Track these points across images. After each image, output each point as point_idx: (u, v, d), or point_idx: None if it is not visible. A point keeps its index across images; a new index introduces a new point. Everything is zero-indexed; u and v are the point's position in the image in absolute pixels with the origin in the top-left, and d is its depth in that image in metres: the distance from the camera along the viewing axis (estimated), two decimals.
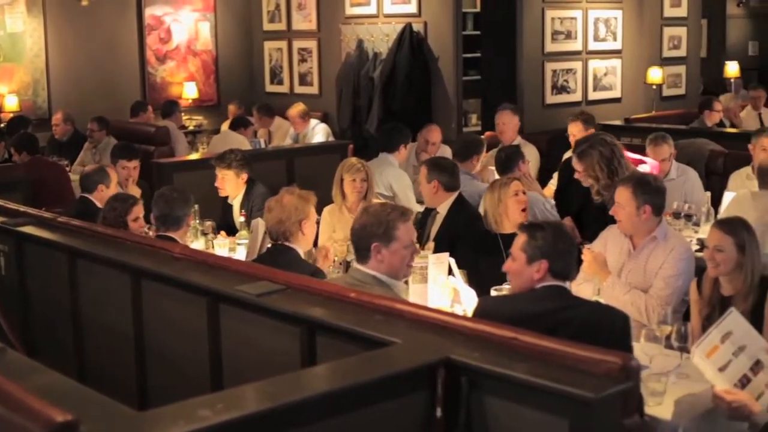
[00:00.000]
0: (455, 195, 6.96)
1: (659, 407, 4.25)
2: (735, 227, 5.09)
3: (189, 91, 14.32)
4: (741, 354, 4.17)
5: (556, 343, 3.23)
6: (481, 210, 6.86)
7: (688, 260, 5.64)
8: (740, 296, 5.02)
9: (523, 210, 6.36)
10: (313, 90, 13.98)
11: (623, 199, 5.65)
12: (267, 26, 14.58)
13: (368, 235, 4.69)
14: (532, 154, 9.29)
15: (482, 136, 10.06)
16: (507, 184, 6.40)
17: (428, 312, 3.80)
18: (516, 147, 8.23)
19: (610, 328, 4.38)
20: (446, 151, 9.46)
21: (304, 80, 14.13)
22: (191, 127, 13.93)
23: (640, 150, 8.15)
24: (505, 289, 5.36)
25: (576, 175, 6.72)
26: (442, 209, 6.92)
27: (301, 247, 5.80)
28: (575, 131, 8.94)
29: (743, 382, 4.16)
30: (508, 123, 9.46)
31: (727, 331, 4.20)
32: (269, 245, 6.04)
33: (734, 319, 4.27)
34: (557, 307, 4.47)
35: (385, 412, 3.12)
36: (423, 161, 7.61)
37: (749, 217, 5.69)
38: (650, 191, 5.65)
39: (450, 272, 5.76)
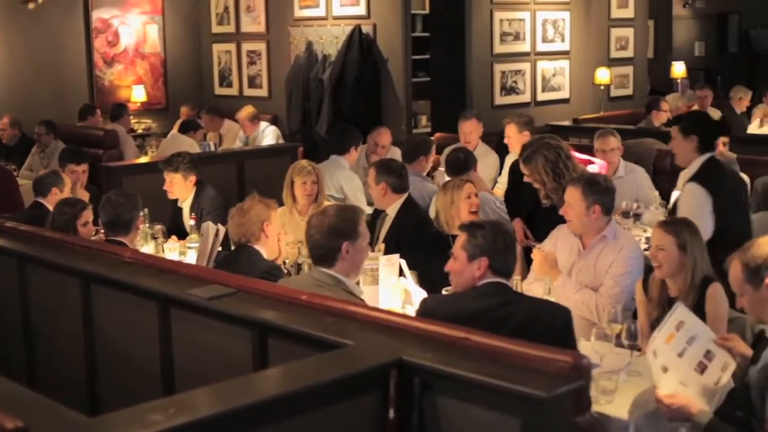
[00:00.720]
0: (404, 197, 6.96)
1: (610, 405, 4.29)
2: (677, 227, 5.15)
3: (137, 95, 14.23)
4: (694, 343, 4.23)
5: (507, 342, 3.24)
6: (432, 210, 6.87)
7: (637, 259, 5.69)
8: (682, 296, 5.08)
9: (474, 212, 6.38)
10: (263, 92, 13.94)
11: (573, 199, 5.69)
12: (216, 29, 14.53)
13: (338, 236, 4.67)
14: (492, 161, 9.31)
15: (432, 138, 10.09)
16: (460, 186, 6.41)
17: (380, 313, 3.81)
18: (470, 151, 8.23)
19: (550, 323, 4.42)
20: (396, 153, 9.46)
21: (253, 83, 14.09)
22: (140, 131, 13.84)
23: (589, 150, 8.21)
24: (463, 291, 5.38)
25: (525, 178, 6.74)
26: (391, 211, 6.92)
27: (265, 249, 5.79)
28: (511, 134, 8.96)
29: (702, 368, 4.22)
30: (474, 131, 9.41)
31: (679, 320, 4.27)
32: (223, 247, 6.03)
33: (683, 311, 4.35)
34: (498, 303, 4.51)
35: (338, 414, 3.12)
36: (372, 163, 7.61)
37: (694, 216, 5.73)
38: (600, 191, 5.68)
39: (401, 273, 5.77)
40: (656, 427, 4.31)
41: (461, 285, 4.70)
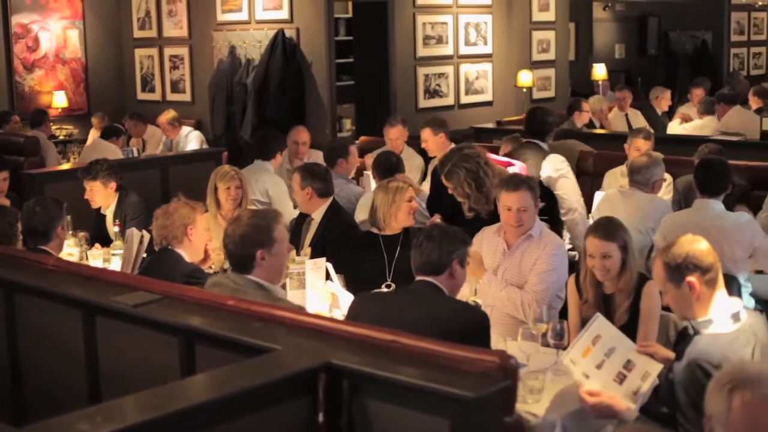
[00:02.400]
0: (329, 201, 6.96)
1: (538, 404, 4.33)
2: (614, 231, 5.20)
3: (58, 100, 14.05)
4: (612, 355, 4.31)
5: (434, 344, 3.26)
6: (361, 212, 6.88)
7: (561, 256, 5.75)
8: (623, 294, 5.14)
9: (411, 215, 6.39)
10: (186, 97, 13.85)
11: (525, 202, 5.70)
12: (137, 33, 14.40)
13: (251, 245, 4.64)
14: (417, 164, 9.34)
15: (357, 141, 10.11)
16: (403, 188, 6.40)
17: (307, 317, 3.81)
18: (399, 156, 8.25)
19: (468, 326, 4.43)
20: (319, 157, 9.46)
21: (176, 87, 13.99)
22: (61, 137, 13.67)
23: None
24: (389, 290, 5.42)
25: (450, 191, 6.75)
26: (317, 216, 6.91)
27: (188, 253, 5.75)
28: (426, 137, 9.01)
29: (621, 379, 4.29)
30: (400, 137, 9.40)
31: (596, 334, 4.35)
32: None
33: (600, 324, 4.43)
34: (424, 302, 4.56)
35: (267, 419, 3.11)
36: (296, 168, 7.59)
37: (619, 215, 5.81)
38: (536, 187, 5.79)
39: (328, 277, 5.78)
40: (583, 425, 4.36)
41: None
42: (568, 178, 7.61)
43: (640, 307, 5.11)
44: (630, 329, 5.04)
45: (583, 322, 5.26)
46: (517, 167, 7.20)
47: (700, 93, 13.67)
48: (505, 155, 7.76)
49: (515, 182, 5.81)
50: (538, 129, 8.06)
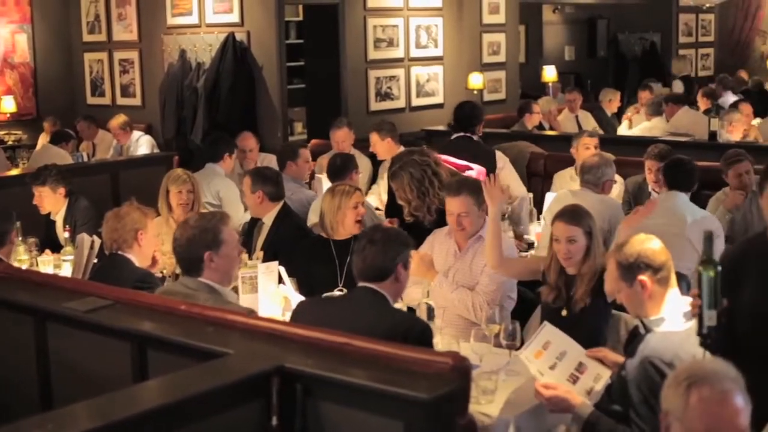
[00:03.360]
0: (280, 204, 6.95)
1: (491, 405, 4.35)
2: (579, 215, 5.29)
3: (7, 105, 13.91)
4: (564, 358, 4.35)
5: (387, 346, 3.27)
6: (314, 214, 6.87)
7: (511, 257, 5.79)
8: (585, 278, 5.19)
9: (359, 221, 6.38)
10: (136, 101, 13.76)
11: (465, 207, 5.72)
12: (87, 37, 14.28)
13: (198, 247, 4.64)
14: (364, 165, 9.34)
15: (309, 144, 10.10)
16: (349, 193, 6.38)
17: (260, 321, 3.81)
18: (351, 156, 8.26)
19: (410, 335, 4.42)
20: (272, 160, 9.44)
21: (126, 92, 13.90)
22: (10, 142, 13.54)
23: None
24: (337, 294, 5.41)
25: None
26: (268, 219, 6.90)
27: (138, 259, 5.72)
28: (374, 141, 9.04)
29: (574, 379, 4.34)
30: (346, 140, 9.40)
31: (546, 340, 4.40)
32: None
33: (550, 331, 4.48)
34: (364, 309, 4.53)
35: (221, 423, 3.10)
36: (246, 171, 7.58)
37: None
38: (480, 190, 5.77)
39: (280, 281, 5.77)
40: (537, 425, 4.39)
41: None
42: (506, 168, 7.73)
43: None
44: (591, 313, 5.09)
45: (545, 307, 5.31)
46: (475, 171, 7.22)
47: (647, 95, 13.80)
48: (443, 150, 7.75)
49: (456, 187, 5.84)
50: (468, 122, 8.12)
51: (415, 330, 4.48)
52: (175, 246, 4.73)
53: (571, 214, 5.32)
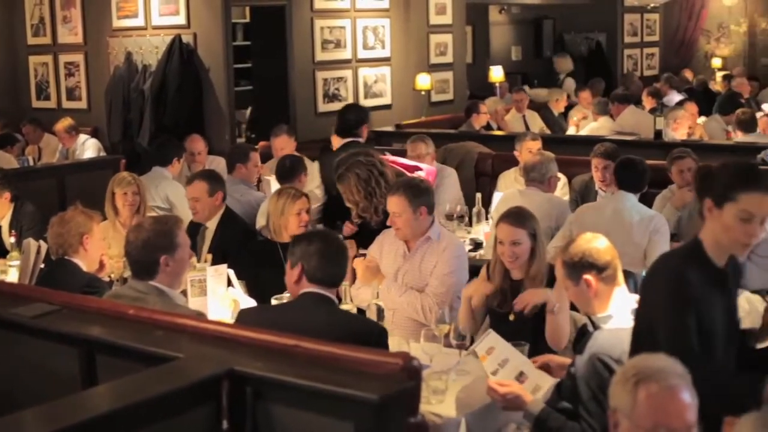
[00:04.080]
0: (224, 208, 6.95)
1: (441, 405, 4.36)
2: (524, 218, 5.29)
3: None
4: (506, 366, 4.38)
5: (337, 348, 3.27)
6: (261, 217, 6.85)
7: (460, 258, 5.79)
8: (535, 281, 5.21)
9: (304, 227, 6.36)
10: (82, 105, 13.64)
11: (399, 207, 5.71)
12: (31, 40, 14.13)
13: (154, 250, 4.61)
14: (311, 169, 9.33)
15: (257, 146, 10.07)
16: (294, 198, 6.36)
17: (210, 325, 3.79)
18: (300, 158, 8.24)
19: (363, 338, 4.41)
20: (220, 163, 9.41)
21: (72, 95, 13.77)
22: None
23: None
24: (286, 297, 5.39)
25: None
26: (212, 224, 6.87)
27: (84, 263, 5.68)
28: (282, 145, 9.05)
29: None
30: (286, 146, 9.36)
31: (489, 346, 4.42)
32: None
33: (494, 338, 4.50)
34: (313, 314, 4.50)
35: (171, 428, 3.09)
36: (196, 174, 7.54)
37: None
38: (421, 192, 5.76)
39: (229, 284, 5.75)
40: (487, 424, 4.41)
41: (292, 293, 4.73)
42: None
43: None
44: (540, 318, 5.11)
45: (492, 312, 5.33)
46: (425, 171, 7.23)
47: (587, 95, 13.95)
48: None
49: (395, 186, 5.85)
50: (352, 125, 8.10)
51: (367, 334, 4.48)
52: (129, 249, 4.70)
53: (515, 216, 5.32)
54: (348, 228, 6.84)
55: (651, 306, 3.78)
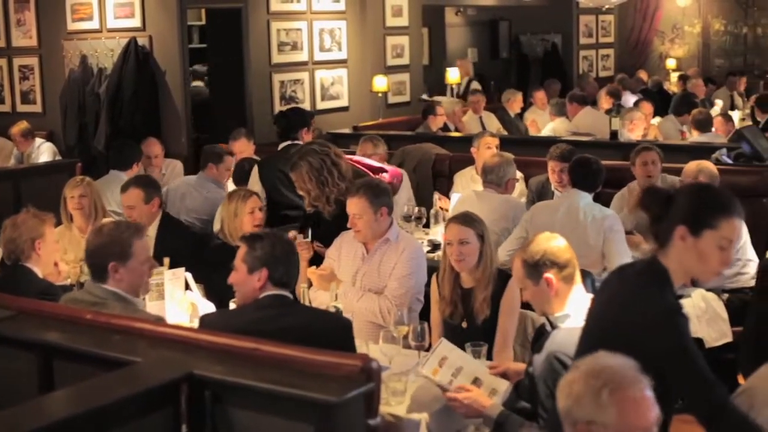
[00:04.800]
0: (161, 213, 6.93)
1: (401, 406, 4.37)
2: (472, 219, 5.32)
3: None
4: (459, 375, 4.39)
5: (296, 350, 3.27)
6: (217, 221, 6.84)
7: (419, 259, 5.80)
8: (481, 286, 5.21)
9: (258, 226, 6.35)
10: (37, 108, 13.53)
11: (360, 208, 5.71)
12: None
13: (105, 255, 4.61)
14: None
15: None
16: (245, 198, 6.36)
17: (168, 328, 3.78)
18: (258, 161, 8.23)
19: (330, 334, 4.43)
20: (177, 166, 9.38)
21: (26, 98, 13.65)
22: None
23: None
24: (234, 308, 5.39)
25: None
26: (152, 230, 6.78)
27: (38, 267, 5.63)
28: (242, 149, 9.05)
29: None
30: (245, 150, 9.36)
31: (441, 356, 4.43)
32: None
33: (445, 347, 4.51)
34: (273, 315, 4.50)
35: None
36: (131, 180, 7.49)
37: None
38: (380, 193, 5.77)
39: (187, 287, 5.73)
40: (447, 425, 4.42)
41: (244, 297, 4.70)
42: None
43: (500, 303, 5.20)
44: (493, 323, 5.13)
45: (445, 322, 5.34)
46: (388, 174, 7.22)
47: (542, 96, 14.03)
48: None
49: (356, 187, 5.85)
50: (288, 128, 8.09)
51: (339, 327, 4.57)
52: (86, 249, 4.74)
53: (464, 217, 5.37)
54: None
55: (647, 349, 3.40)
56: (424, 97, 14.34)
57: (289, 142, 7.85)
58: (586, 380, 2.96)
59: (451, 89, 16.43)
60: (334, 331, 4.50)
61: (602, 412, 2.90)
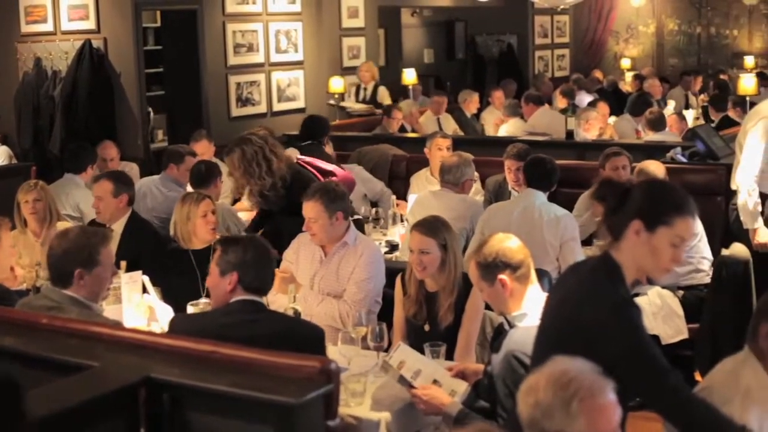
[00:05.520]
0: (130, 211, 6.91)
1: (361, 407, 4.37)
2: (435, 228, 5.28)
3: None
4: (418, 377, 4.40)
5: (255, 353, 3.26)
6: (172, 226, 6.81)
7: (377, 263, 5.80)
8: (445, 292, 5.21)
9: (213, 229, 6.33)
10: None
11: (314, 212, 5.71)
12: None
13: (70, 261, 4.57)
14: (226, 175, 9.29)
15: None
16: (197, 202, 6.34)
17: (125, 332, 3.76)
18: (215, 164, 8.21)
19: (302, 341, 4.42)
20: (133, 169, 9.34)
21: None
22: None
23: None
24: (202, 303, 5.37)
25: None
26: (118, 227, 6.80)
27: None
28: (202, 150, 9.05)
29: None
30: (206, 152, 9.32)
31: (400, 360, 4.44)
32: None
33: (404, 350, 4.52)
34: (241, 320, 4.48)
35: None
36: (103, 174, 7.46)
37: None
38: (336, 197, 5.75)
39: (144, 290, 5.70)
40: (406, 424, 4.43)
41: (217, 301, 4.68)
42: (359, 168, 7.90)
43: (465, 307, 5.20)
44: (456, 328, 5.14)
45: (408, 322, 5.34)
46: (339, 176, 7.23)
47: (499, 96, 14.07)
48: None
49: (311, 191, 5.85)
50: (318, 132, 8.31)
51: (310, 336, 4.53)
52: (49, 254, 4.68)
53: (427, 226, 5.32)
54: None
55: (603, 344, 3.45)
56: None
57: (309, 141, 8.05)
58: (554, 391, 2.91)
59: (408, 90, 16.44)
60: (306, 339, 4.47)
61: (572, 422, 2.87)
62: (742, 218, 7.24)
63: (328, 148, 8.49)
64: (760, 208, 7.20)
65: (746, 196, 7.17)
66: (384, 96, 14.30)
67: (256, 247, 4.67)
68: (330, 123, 8.83)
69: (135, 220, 6.91)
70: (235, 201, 8.75)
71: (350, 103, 14.13)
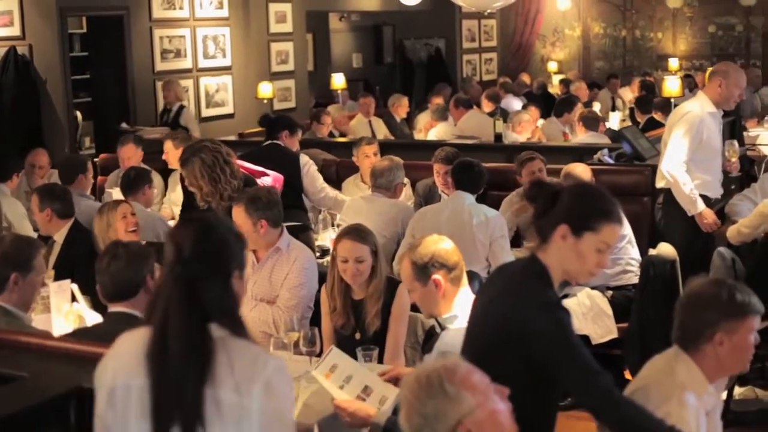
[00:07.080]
0: (71, 222, 6.82)
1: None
2: (366, 235, 5.24)
3: None
4: (350, 382, 4.39)
5: None
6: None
7: (311, 269, 5.77)
8: (372, 299, 5.19)
9: (133, 231, 6.30)
10: None
11: (239, 218, 5.68)
12: None
13: (7, 266, 4.53)
14: (156, 181, 9.21)
15: (98, 158, 9.91)
16: (114, 207, 6.32)
17: (55, 342, 3.73)
18: (145, 169, 8.13)
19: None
20: (54, 175, 9.21)
21: None
22: None
23: None
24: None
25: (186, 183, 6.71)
26: (59, 237, 6.75)
27: None
28: (168, 149, 8.98)
29: (361, 400, 4.39)
30: (133, 156, 9.21)
31: (332, 364, 4.42)
32: None
33: (336, 354, 4.50)
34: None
35: None
36: (34, 189, 7.38)
37: (364, 221, 5.93)
38: (263, 206, 5.71)
39: (73, 299, 5.64)
40: (340, 429, 4.42)
41: None
42: (311, 168, 7.88)
43: (391, 311, 5.20)
44: (384, 332, 5.14)
45: (337, 332, 5.33)
46: (270, 178, 7.20)
47: (439, 100, 14.10)
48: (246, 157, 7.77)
49: (238, 197, 5.83)
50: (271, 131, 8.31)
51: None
52: None
53: (358, 233, 5.26)
54: None
55: (531, 344, 3.50)
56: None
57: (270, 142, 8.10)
58: (426, 394, 2.77)
59: (337, 94, 16.45)
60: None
61: (460, 402, 2.72)
62: (685, 207, 7.25)
63: (290, 141, 8.33)
64: (696, 192, 7.23)
65: (680, 185, 7.20)
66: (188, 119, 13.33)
67: (115, 250, 4.59)
68: (290, 119, 8.76)
69: (75, 229, 6.83)
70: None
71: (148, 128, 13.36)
